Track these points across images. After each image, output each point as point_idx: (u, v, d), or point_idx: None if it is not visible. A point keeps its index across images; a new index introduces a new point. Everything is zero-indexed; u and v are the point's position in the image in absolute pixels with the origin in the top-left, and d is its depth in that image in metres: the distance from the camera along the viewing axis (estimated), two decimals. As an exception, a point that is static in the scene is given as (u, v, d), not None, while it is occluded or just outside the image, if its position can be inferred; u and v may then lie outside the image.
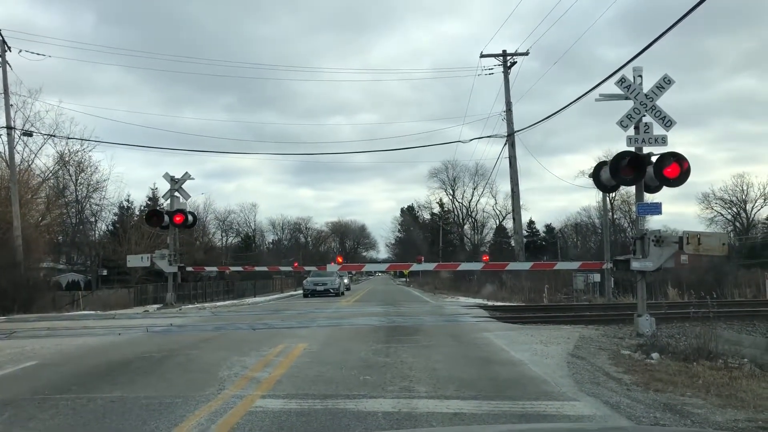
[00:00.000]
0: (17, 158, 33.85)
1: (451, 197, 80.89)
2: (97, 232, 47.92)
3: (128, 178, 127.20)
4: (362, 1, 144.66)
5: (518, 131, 37.56)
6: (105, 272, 41.37)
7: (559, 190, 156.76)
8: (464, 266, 34.46)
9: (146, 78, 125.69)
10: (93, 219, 46.27)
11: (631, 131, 12.65)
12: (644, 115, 12.59)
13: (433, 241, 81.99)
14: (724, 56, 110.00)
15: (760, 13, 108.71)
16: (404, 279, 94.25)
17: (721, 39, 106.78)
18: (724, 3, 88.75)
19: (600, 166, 13.78)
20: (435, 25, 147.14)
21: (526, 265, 28.61)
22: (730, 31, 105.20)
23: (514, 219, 40.27)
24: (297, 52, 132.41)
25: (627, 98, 12.73)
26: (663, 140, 12.58)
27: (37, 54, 32.77)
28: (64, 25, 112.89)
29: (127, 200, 50.02)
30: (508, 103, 37.33)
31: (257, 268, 42.94)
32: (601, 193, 36.84)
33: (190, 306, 29.71)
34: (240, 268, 41.20)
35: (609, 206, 47.79)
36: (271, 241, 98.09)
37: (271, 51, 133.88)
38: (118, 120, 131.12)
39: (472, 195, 77.53)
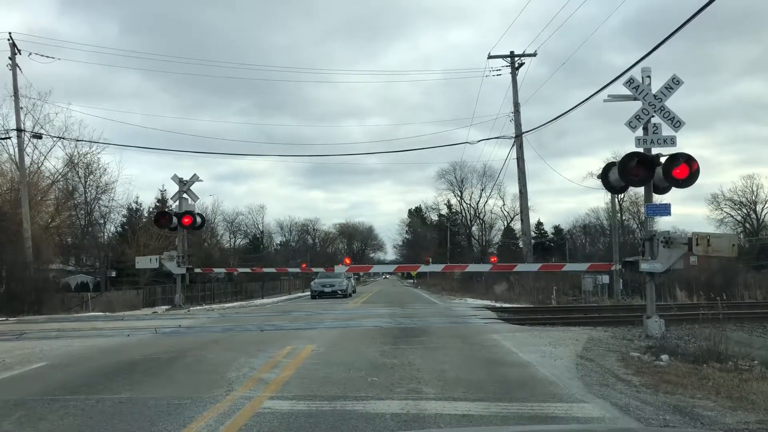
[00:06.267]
0: (27, 160, 34.11)
1: (459, 199, 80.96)
2: (105, 233, 48.10)
3: (142, 181, 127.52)
4: (374, 9, 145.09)
5: (526, 132, 37.48)
6: (114, 274, 41.47)
7: (567, 192, 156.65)
8: (472, 267, 34.47)
9: (163, 83, 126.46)
10: (102, 221, 46.45)
11: (639, 132, 12.60)
12: (653, 116, 12.52)
13: (441, 243, 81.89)
14: (730, 61, 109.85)
15: (766, 19, 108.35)
16: (412, 280, 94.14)
17: (728, 44, 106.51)
18: (731, 9, 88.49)
19: (609, 167, 13.72)
20: (445, 32, 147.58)
21: (535, 267, 28.56)
22: (736, 36, 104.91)
23: (522, 220, 40.16)
24: (310, 58, 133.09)
25: (635, 99, 12.66)
26: (672, 141, 12.51)
27: (46, 57, 33.00)
28: (87, 34, 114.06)
29: (136, 202, 50.12)
30: (516, 104, 37.21)
31: (265, 270, 42.87)
32: (609, 194, 36.87)
33: (199, 307, 29.81)
34: (248, 270, 41.29)
35: (617, 208, 47.66)
36: (278, 242, 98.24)
37: (285, 58, 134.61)
38: (133, 124, 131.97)
39: (480, 196, 77.56)
